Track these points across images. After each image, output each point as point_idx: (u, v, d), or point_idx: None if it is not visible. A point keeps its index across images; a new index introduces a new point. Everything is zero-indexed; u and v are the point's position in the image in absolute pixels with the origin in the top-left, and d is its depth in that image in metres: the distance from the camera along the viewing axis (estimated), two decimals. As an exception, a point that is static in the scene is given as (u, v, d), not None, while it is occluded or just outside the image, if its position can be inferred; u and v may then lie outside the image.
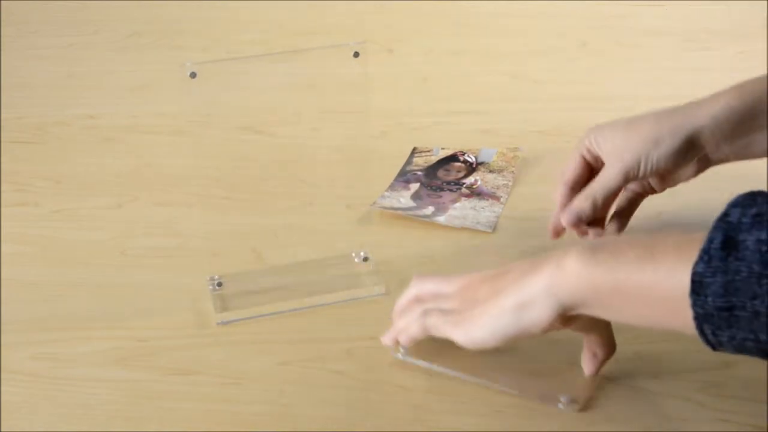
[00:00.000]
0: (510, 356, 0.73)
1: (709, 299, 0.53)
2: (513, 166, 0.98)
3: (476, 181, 0.96)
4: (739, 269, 0.51)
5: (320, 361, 0.75)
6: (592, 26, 1.37)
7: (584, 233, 0.82)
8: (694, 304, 0.54)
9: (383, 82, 1.24)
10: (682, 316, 0.55)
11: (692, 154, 0.78)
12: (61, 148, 1.11)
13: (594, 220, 0.81)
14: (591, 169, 0.82)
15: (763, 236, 0.51)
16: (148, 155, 1.08)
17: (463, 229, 0.90)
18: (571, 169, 0.82)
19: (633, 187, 0.85)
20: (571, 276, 0.61)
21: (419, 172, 0.99)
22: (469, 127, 1.11)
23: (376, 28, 1.42)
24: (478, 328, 0.67)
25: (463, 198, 0.93)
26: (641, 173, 0.78)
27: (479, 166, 0.98)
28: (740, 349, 0.54)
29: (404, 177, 0.97)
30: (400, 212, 0.92)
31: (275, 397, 0.71)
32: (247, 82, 1.27)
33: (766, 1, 1.33)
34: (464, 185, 0.95)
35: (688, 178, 0.82)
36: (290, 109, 1.18)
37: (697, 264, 0.53)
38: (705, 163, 0.80)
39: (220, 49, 1.37)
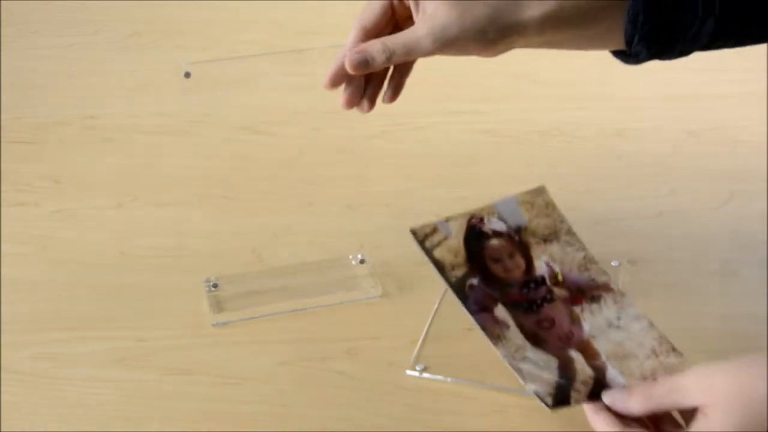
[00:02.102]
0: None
1: None
2: (560, 220, 0.74)
3: (550, 266, 0.71)
4: None
5: (320, 361, 0.75)
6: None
7: (354, 97, 0.75)
8: None
9: (383, 82, 1.24)
10: None
11: (507, 42, 0.73)
12: (61, 148, 1.11)
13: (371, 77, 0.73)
14: (394, 20, 0.74)
15: None
16: (148, 155, 1.08)
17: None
18: (372, 11, 0.73)
19: None
20: None
21: (474, 281, 0.70)
22: (469, 127, 1.11)
23: (376, 28, 1.41)
24: None
25: (577, 310, 0.70)
26: (449, 51, 0.72)
27: (523, 238, 0.72)
28: None
29: (470, 298, 0.70)
30: (570, 399, 0.66)
31: (275, 397, 0.71)
32: (247, 82, 1.27)
33: (766, 1, 1.33)
34: (543, 282, 0.71)
35: (488, 55, 0.76)
36: (290, 109, 1.18)
37: None
38: (509, 48, 0.75)
39: (220, 49, 1.37)
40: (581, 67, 1.28)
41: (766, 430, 0.59)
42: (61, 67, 1.33)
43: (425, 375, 0.73)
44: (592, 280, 0.72)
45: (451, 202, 0.95)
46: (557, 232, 0.73)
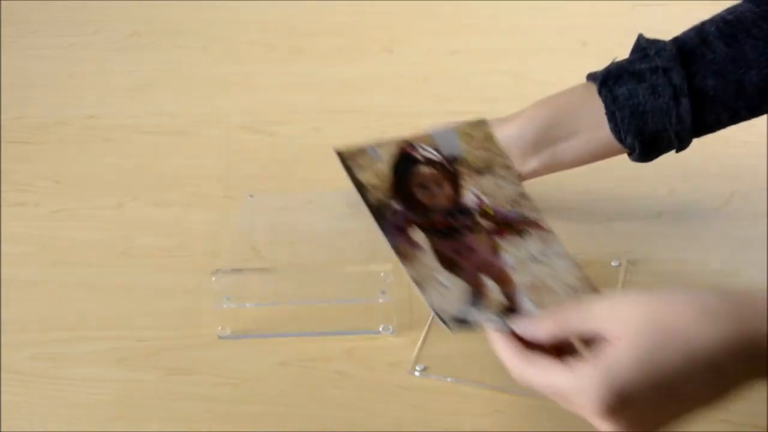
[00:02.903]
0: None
1: None
2: (498, 153, 0.71)
3: (478, 198, 0.69)
4: None
5: (320, 361, 0.75)
6: (592, 26, 1.37)
7: None
8: None
9: (383, 82, 1.24)
10: None
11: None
12: (61, 148, 1.11)
13: None
14: None
15: None
16: (148, 155, 1.08)
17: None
18: None
19: None
20: None
21: (394, 204, 0.67)
22: (469, 127, 1.11)
23: (376, 28, 1.42)
24: None
25: (499, 241, 0.67)
26: None
27: (456, 167, 0.70)
28: None
29: (388, 221, 0.66)
30: (470, 317, 0.64)
31: (275, 397, 0.71)
32: (247, 82, 1.27)
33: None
34: (469, 212, 0.68)
35: None
36: (290, 109, 1.18)
37: None
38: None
39: (220, 49, 1.37)
40: (581, 67, 1.28)
41: (676, 366, 0.54)
42: (61, 67, 1.33)
43: (425, 375, 0.73)
44: (522, 216, 0.69)
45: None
46: (492, 165, 0.70)
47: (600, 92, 0.79)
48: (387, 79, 1.25)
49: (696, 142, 0.83)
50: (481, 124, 0.71)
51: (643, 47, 0.80)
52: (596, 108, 0.79)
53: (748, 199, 0.92)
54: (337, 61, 1.32)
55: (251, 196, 0.90)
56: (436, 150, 0.70)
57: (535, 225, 0.68)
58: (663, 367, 0.54)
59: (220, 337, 0.77)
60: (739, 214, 0.91)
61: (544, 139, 0.80)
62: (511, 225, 0.68)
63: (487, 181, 0.69)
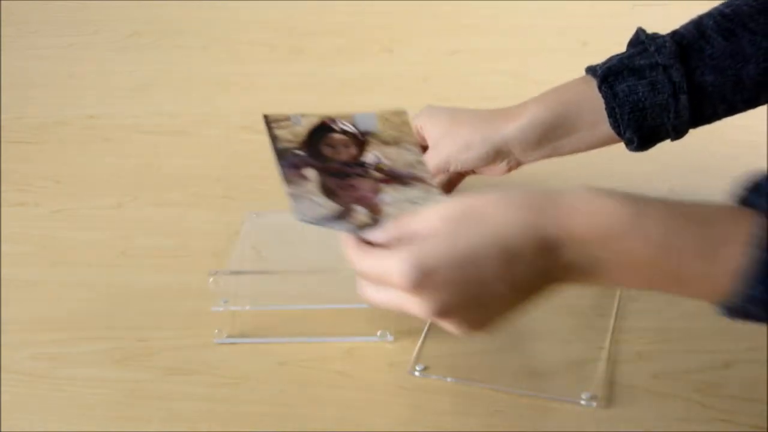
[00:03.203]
0: (522, 360, 0.73)
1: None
2: (408, 135, 0.74)
3: (378, 159, 0.74)
4: None
5: (320, 361, 0.75)
6: (592, 26, 1.37)
7: None
8: (744, 308, 0.57)
9: (383, 82, 1.25)
10: (715, 299, 0.57)
11: (500, 158, 0.83)
12: (61, 148, 1.11)
13: None
14: None
15: None
16: (148, 155, 1.08)
17: None
18: None
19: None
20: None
21: (299, 151, 0.73)
22: (469, 127, 1.11)
23: (376, 28, 1.42)
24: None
25: (384, 186, 0.72)
26: (454, 168, 0.84)
27: (367, 138, 0.74)
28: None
29: (287, 160, 0.72)
30: (330, 226, 0.71)
31: (275, 397, 0.71)
32: (247, 82, 1.27)
33: (766, 1, 1.33)
34: (365, 165, 0.73)
35: (500, 174, 0.85)
36: (290, 109, 1.18)
37: (754, 288, 0.55)
38: (514, 165, 0.84)
39: (220, 49, 1.37)
40: (581, 67, 1.28)
41: (473, 244, 0.57)
42: (61, 67, 1.33)
43: (425, 375, 0.73)
44: (412, 174, 0.72)
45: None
46: (400, 141, 0.74)
47: (600, 89, 0.80)
48: (387, 79, 1.25)
49: (697, 142, 0.83)
50: (400, 113, 0.74)
51: (642, 41, 0.81)
52: (597, 104, 0.80)
53: (748, 199, 0.92)
54: (337, 61, 1.32)
55: (256, 214, 0.90)
56: (353, 126, 0.74)
57: (421, 180, 0.72)
58: (461, 245, 0.58)
59: (216, 341, 0.77)
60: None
61: (545, 137, 0.82)
62: (399, 178, 0.73)
63: (390, 150, 0.73)
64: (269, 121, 0.74)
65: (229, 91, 1.25)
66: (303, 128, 0.74)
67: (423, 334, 0.77)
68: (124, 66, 1.33)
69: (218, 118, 1.17)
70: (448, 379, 0.72)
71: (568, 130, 0.82)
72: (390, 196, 0.72)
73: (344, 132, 0.74)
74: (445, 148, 0.83)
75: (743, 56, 0.78)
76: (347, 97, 1.20)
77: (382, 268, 0.60)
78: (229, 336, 0.77)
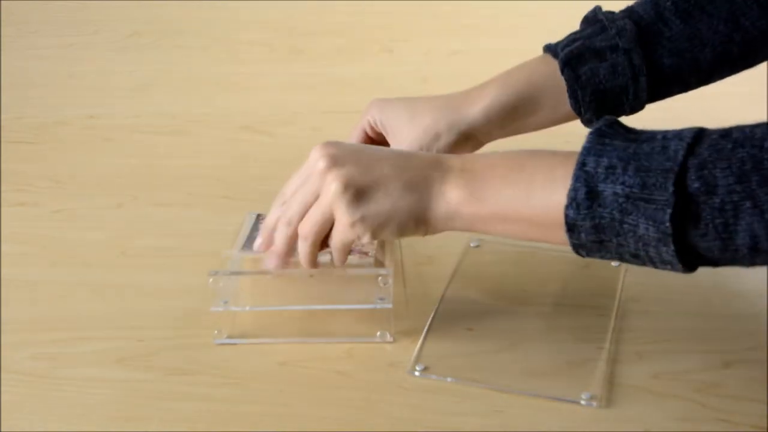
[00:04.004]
0: (522, 360, 0.73)
1: (582, 235, 0.63)
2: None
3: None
4: (602, 215, 0.61)
5: (320, 361, 0.75)
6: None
7: None
8: (570, 238, 0.64)
9: (383, 82, 1.25)
10: (558, 238, 0.65)
11: (468, 142, 0.84)
12: (61, 148, 1.11)
13: None
14: (372, 142, 0.88)
15: (618, 189, 0.60)
16: (148, 155, 1.08)
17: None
18: (354, 141, 0.88)
19: None
20: (452, 205, 0.69)
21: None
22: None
23: (376, 28, 1.42)
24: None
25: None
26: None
27: None
28: (606, 259, 0.66)
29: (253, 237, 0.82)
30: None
31: (275, 397, 0.71)
32: (247, 82, 1.27)
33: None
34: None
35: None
36: (290, 109, 1.18)
37: (567, 208, 0.62)
38: (477, 146, 0.86)
39: (220, 49, 1.37)
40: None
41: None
42: (61, 67, 1.33)
43: (425, 375, 0.73)
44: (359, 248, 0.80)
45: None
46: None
47: (563, 72, 0.81)
48: (387, 79, 1.25)
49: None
50: None
51: (600, 20, 0.83)
52: (558, 86, 0.82)
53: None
54: (337, 61, 1.32)
55: (258, 215, 0.89)
56: None
57: (362, 252, 0.80)
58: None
59: (215, 342, 0.77)
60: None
61: (509, 118, 0.84)
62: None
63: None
64: (260, 218, 0.84)
65: (229, 91, 1.25)
66: None
67: (423, 334, 0.77)
68: (124, 66, 1.33)
69: (218, 118, 1.17)
70: (448, 379, 0.72)
71: (530, 110, 0.84)
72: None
73: None
74: (415, 140, 0.84)
75: (700, 40, 0.81)
76: (347, 97, 1.21)
77: (301, 173, 0.76)
78: (229, 336, 0.77)
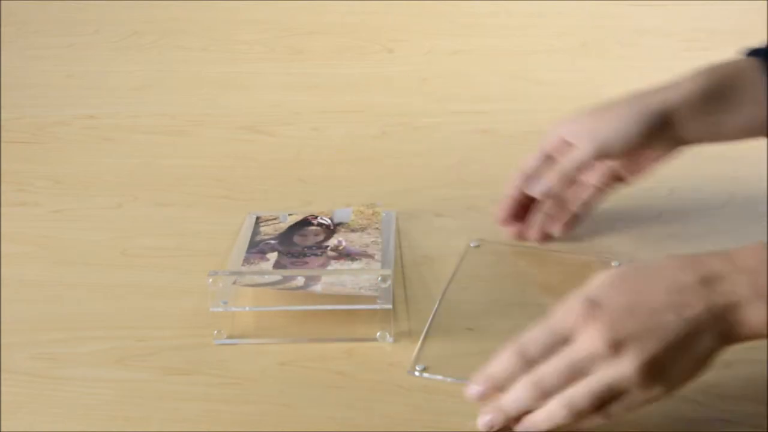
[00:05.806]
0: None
1: None
2: (376, 223, 0.88)
3: (340, 242, 0.85)
4: None
5: (320, 361, 0.75)
6: (592, 26, 1.37)
7: (521, 225, 0.86)
8: None
9: (383, 82, 1.25)
10: None
11: (664, 130, 0.79)
12: (61, 148, 1.11)
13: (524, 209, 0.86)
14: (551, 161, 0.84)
15: None
16: (148, 155, 1.08)
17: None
18: (532, 159, 0.85)
19: (597, 180, 0.85)
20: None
21: (272, 241, 0.86)
22: (469, 127, 1.11)
23: (376, 28, 1.42)
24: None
25: (332, 261, 0.82)
26: (614, 150, 0.80)
27: (338, 228, 0.87)
28: None
29: (257, 248, 0.85)
30: (268, 288, 0.79)
31: (275, 397, 0.71)
32: (247, 82, 1.27)
33: (766, 1, 1.33)
34: (327, 248, 0.85)
35: (657, 160, 0.83)
36: (290, 109, 1.18)
37: None
38: (674, 143, 0.81)
39: (220, 49, 1.37)
40: (581, 67, 1.28)
41: (640, 279, 0.61)
42: (61, 67, 1.33)
43: (425, 375, 0.73)
44: (364, 252, 0.83)
45: (451, 201, 0.95)
46: (367, 228, 0.88)
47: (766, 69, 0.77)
48: (387, 79, 1.25)
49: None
50: (373, 205, 0.91)
51: None
52: (760, 83, 0.78)
53: (748, 199, 0.92)
54: (337, 61, 1.32)
55: (258, 216, 0.90)
56: (331, 219, 0.89)
57: (369, 256, 0.83)
58: (628, 278, 0.62)
59: (215, 342, 0.77)
60: (739, 215, 0.91)
61: (708, 105, 0.78)
62: (350, 255, 0.83)
63: (354, 235, 0.87)
64: (259, 220, 0.87)
65: (229, 91, 1.25)
66: (285, 224, 0.89)
67: (423, 335, 0.77)
68: (124, 66, 1.33)
69: (218, 118, 1.17)
70: (448, 379, 0.72)
71: (731, 104, 0.78)
72: (333, 267, 0.82)
73: (320, 224, 0.89)
74: (602, 131, 0.80)
75: None
76: (347, 97, 1.21)
77: (555, 317, 0.62)
78: (229, 336, 0.77)
